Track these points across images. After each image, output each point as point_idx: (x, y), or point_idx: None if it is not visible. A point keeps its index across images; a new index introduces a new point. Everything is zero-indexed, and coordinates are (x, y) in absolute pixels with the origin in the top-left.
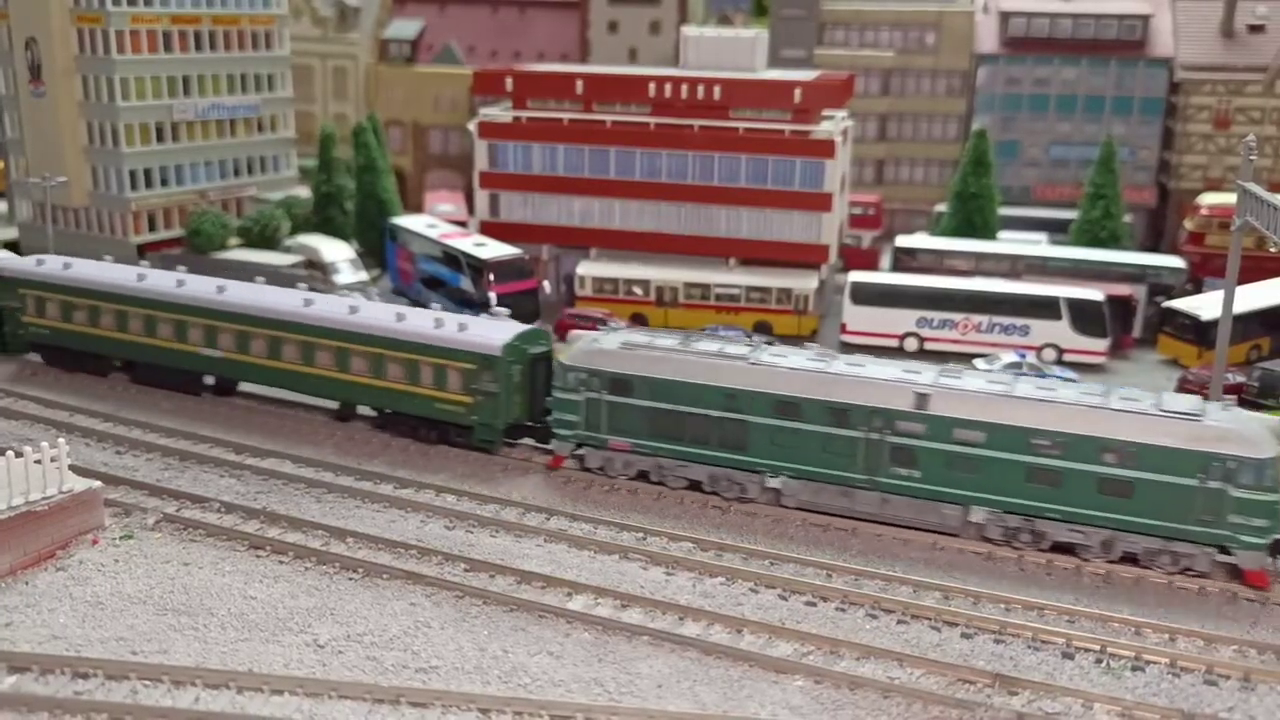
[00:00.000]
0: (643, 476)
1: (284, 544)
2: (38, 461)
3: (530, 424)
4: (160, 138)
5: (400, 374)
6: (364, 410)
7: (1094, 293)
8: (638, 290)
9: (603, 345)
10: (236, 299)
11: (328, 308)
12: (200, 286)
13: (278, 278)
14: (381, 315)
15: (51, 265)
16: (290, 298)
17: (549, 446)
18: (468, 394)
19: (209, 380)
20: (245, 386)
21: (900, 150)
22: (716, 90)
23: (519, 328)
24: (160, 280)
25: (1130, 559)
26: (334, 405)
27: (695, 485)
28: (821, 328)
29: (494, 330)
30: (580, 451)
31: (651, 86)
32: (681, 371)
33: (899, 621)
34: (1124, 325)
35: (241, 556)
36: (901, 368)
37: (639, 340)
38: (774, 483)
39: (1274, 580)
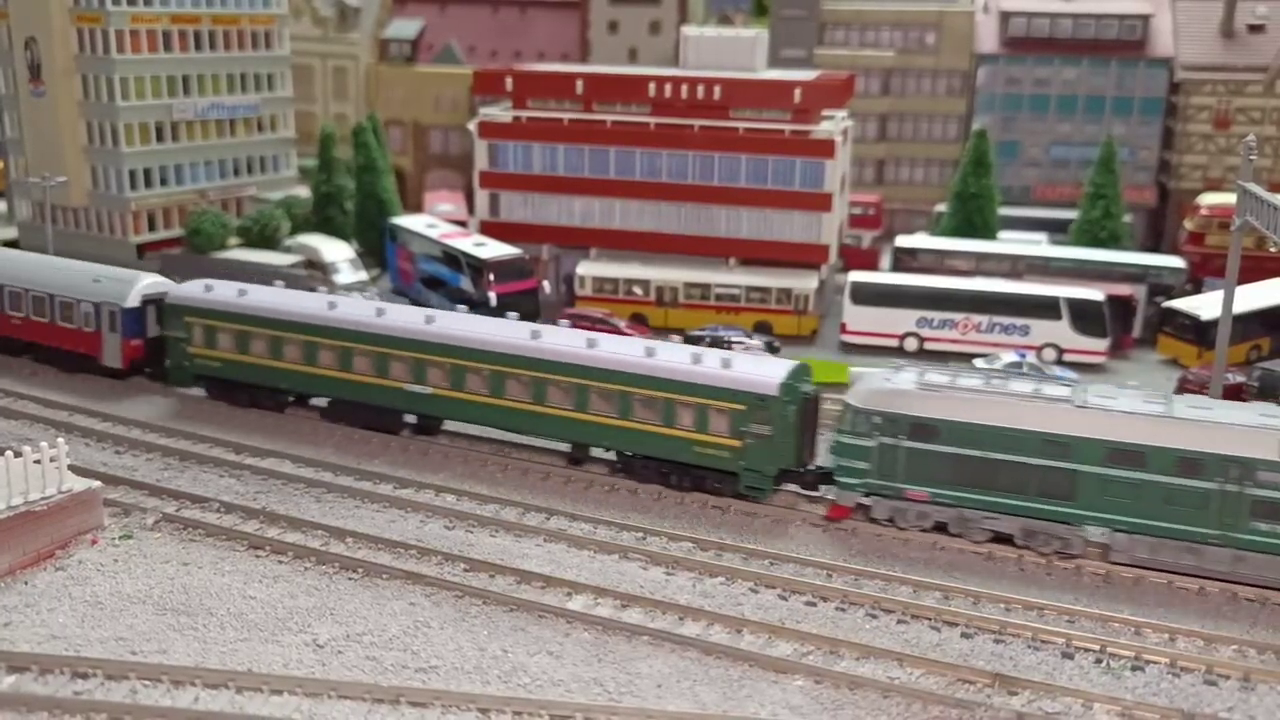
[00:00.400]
0: (939, 528)
1: (283, 544)
2: (37, 461)
3: (798, 470)
4: (160, 137)
5: (651, 415)
6: (599, 453)
7: (1094, 293)
8: (638, 290)
9: (897, 386)
10: (450, 330)
11: (562, 341)
12: (405, 316)
13: (278, 276)
14: (627, 350)
15: (223, 292)
16: (515, 329)
17: (815, 494)
18: (736, 437)
19: (410, 419)
20: (451, 425)
21: (900, 150)
22: (716, 90)
23: (788, 364)
24: (356, 309)
25: None
26: (565, 448)
27: (1002, 539)
28: (821, 328)
29: (763, 367)
30: (866, 501)
31: (651, 86)
32: (995, 415)
33: (899, 621)
34: (1124, 325)
35: (241, 556)
36: (1258, 411)
37: (939, 380)
38: (1098, 536)
39: None
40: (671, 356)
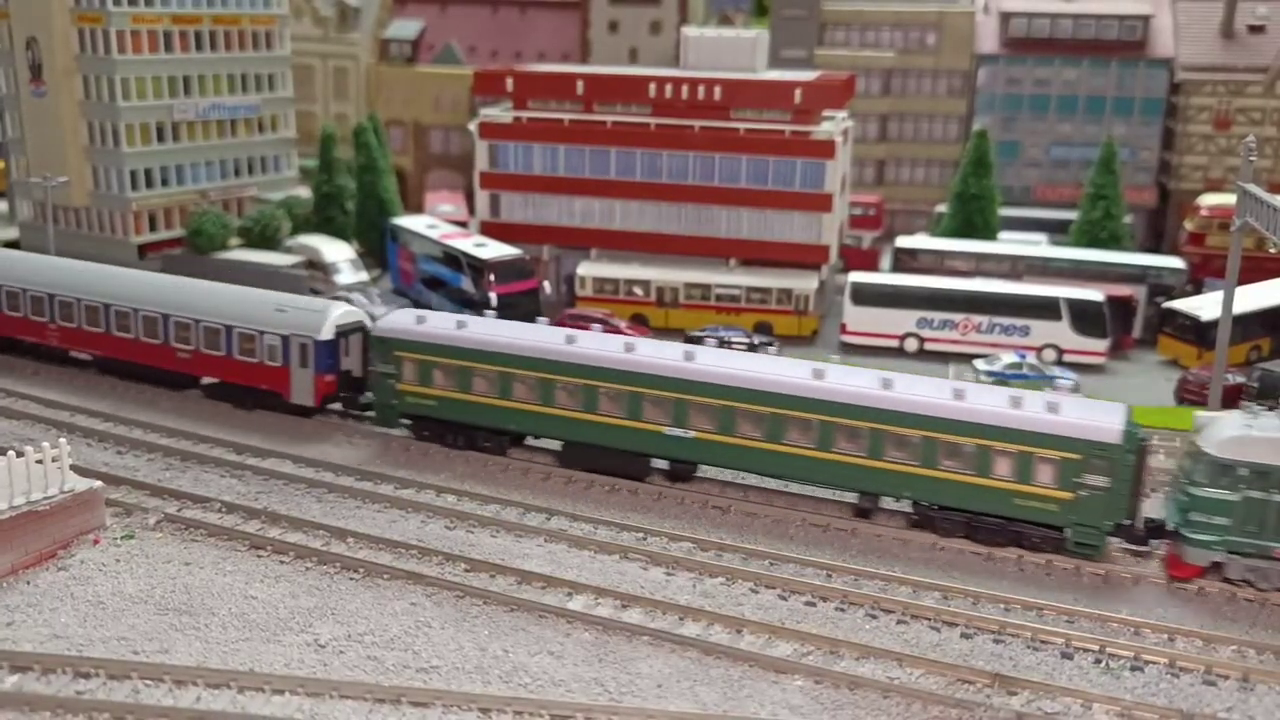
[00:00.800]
0: None
1: (285, 544)
2: (39, 461)
3: (1129, 524)
4: (161, 138)
5: (959, 463)
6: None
7: (1094, 293)
8: (638, 291)
9: (1265, 434)
10: (717, 368)
11: (852, 381)
12: (661, 352)
13: (282, 279)
14: (931, 391)
15: (437, 324)
16: (793, 367)
17: (1145, 549)
18: (1066, 489)
19: (660, 464)
20: (707, 471)
21: (901, 150)
22: (717, 91)
23: (1120, 407)
24: (598, 343)
25: None
26: (850, 497)
27: None
28: (822, 328)
29: (1096, 411)
30: (1218, 558)
31: (652, 87)
32: None
33: (899, 621)
34: (1124, 326)
35: (242, 556)
36: None
37: None
38: None
39: None
40: (985, 398)
